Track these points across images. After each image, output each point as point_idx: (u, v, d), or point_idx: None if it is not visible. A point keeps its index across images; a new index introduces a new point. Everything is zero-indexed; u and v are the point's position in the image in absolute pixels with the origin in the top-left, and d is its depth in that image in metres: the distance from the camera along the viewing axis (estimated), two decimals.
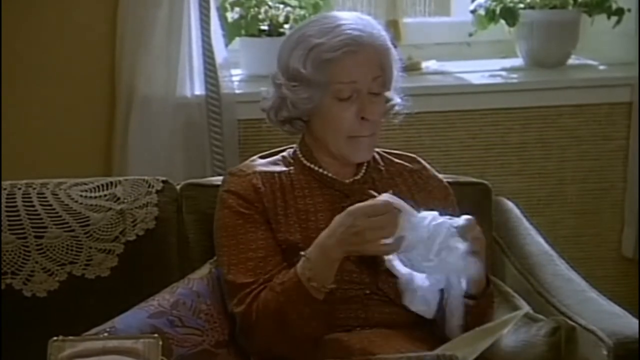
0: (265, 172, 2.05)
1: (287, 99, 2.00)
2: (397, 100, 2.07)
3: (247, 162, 2.11)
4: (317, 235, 1.95)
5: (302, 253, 1.89)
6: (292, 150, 2.11)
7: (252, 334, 1.92)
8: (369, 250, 1.84)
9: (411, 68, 2.86)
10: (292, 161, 2.08)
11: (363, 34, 1.96)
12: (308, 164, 2.06)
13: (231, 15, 2.89)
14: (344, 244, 1.83)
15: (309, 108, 2.00)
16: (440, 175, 2.16)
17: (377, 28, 2.01)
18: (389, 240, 1.81)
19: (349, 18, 1.99)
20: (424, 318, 2.00)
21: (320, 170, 2.05)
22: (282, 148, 2.14)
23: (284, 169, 2.07)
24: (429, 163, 2.17)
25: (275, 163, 2.09)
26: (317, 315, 1.88)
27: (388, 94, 2.05)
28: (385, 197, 1.85)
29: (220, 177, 2.16)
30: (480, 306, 1.96)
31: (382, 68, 1.99)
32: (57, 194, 2.20)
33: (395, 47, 2.05)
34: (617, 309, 2.01)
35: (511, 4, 2.97)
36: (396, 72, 2.04)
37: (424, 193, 2.09)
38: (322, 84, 1.95)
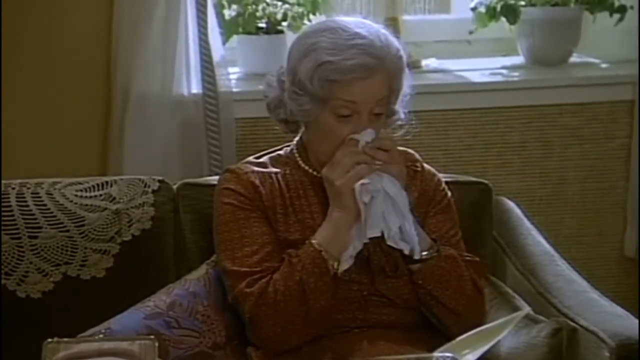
0: (263, 173, 2.05)
1: (286, 105, 1.99)
2: (401, 114, 2.05)
3: (242, 162, 2.11)
4: (314, 234, 1.96)
5: (307, 241, 1.93)
6: (289, 148, 2.11)
7: (270, 313, 1.92)
8: (340, 183, 1.92)
9: (411, 66, 2.84)
10: (287, 160, 2.08)
11: (376, 60, 1.92)
12: (303, 165, 2.06)
13: (228, 13, 2.88)
14: (333, 202, 1.94)
15: (302, 117, 1.99)
16: (440, 175, 2.16)
17: (394, 50, 1.96)
18: None
19: (367, 36, 1.93)
20: (423, 319, 2.01)
21: (315, 173, 2.04)
22: (277, 147, 2.13)
23: (280, 169, 2.06)
24: (428, 162, 2.16)
25: (271, 162, 2.08)
26: (329, 290, 1.91)
27: (394, 106, 2.03)
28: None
29: (217, 177, 2.14)
30: (429, 268, 1.98)
31: (389, 90, 1.97)
32: (51, 194, 2.19)
33: (407, 60, 2.02)
34: (619, 309, 2.00)
35: (512, 1, 2.96)
36: (405, 89, 2.02)
37: (417, 187, 2.08)
38: (325, 99, 1.94)
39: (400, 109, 2.04)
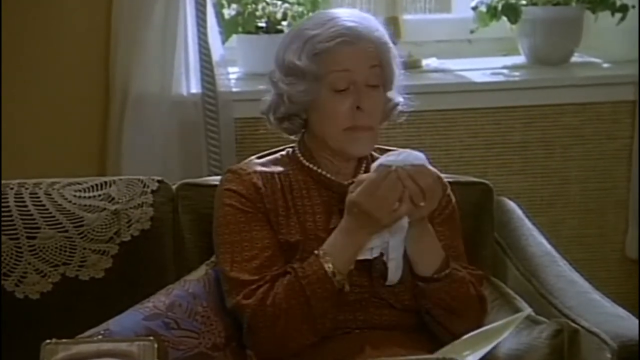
0: (265, 173, 2.04)
1: (284, 95, 1.99)
2: (399, 99, 2.05)
3: (245, 161, 2.10)
4: (315, 236, 1.97)
5: (316, 252, 1.91)
6: (290, 149, 2.09)
7: (268, 325, 1.91)
8: (387, 222, 1.88)
9: (411, 66, 2.85)
10: (290, 161, 2.07)
11: (359, 25, 1.95)
12: (307, 163, 2.05)
13: (228, 12, 2.89)
14: (365, 228, 1.89)
15: (305, 101, 1.98)
16: (441, 175, 2.13)
17: (375, 23, 2.00)
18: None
19: (347, 12, 2.00)
20: (423, 321, 2.00)
21: (319, 170, 2.04)
22: (279, 148, 2.12)
23: (283, 169, 2.05)
24: (429, 162, 2.14)
25: (273, 163, 2.07)
26: (335, 308, 1.91)
27: (390, 93, 2.03)
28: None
29: (217, 177, 2.14)
30: (436, 289, 1.95)
31: (379, 60, 1.98)
32: (50, 194, 2.18)
33: (395, 44, 2.04)
34: (620, 311, 1.99)
35: (513, 1, 2.96)
36: (397, 70, 2.03)
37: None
38: (318, 75, 1.94)
39: (397, 94, 2.04)
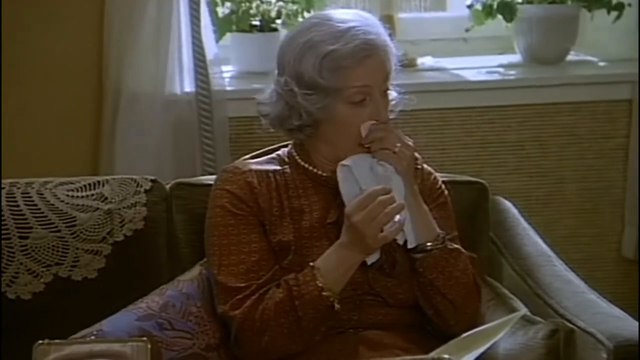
0: (260, 171, 2.02)
1: (300, 108, 1.96)
2: (393, 94, 2.04)
3: (240, 160, 2.08)
4: (310, 234, 1.96)
5: (312, 264, 1.90)
6: (286, 149, 2.08)
7: (256, 337, 1.90)
8: (372, 242, 1.88)
9: (406, 64, 2.82)
10: (286, 160, 2.05)
11: (374, 36, 1.93)
12: (303, 163, 2.03)
13: (222, 10, 2.88)
14: (356, 246, 1.88)
15: (322, 115, 1.96)
16: (437, 174, 2.14)
17: (379, 25, 1.98)
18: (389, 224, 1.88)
19: (354, 19, 1.95)
20: (419, 320, 2.00)
21: (315, 170, 2.02)
22: (274, 147, 2.11)
23: (278, 167, 2.04)
24: (424, 161, 2.14)
25: (269, 162, 2.06)
26: (329, 321, 1.91)
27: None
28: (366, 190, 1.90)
29: (211, 177, 2.14)
30: (434, 260, 1.96)
31: (389, 66, 1.98)
32: (42, 194, 2.17)
33: (391, 39, 2.02)
34: (617, 311, 1.99)
35: None
36: (395, 67, 2.02)
37: (417, 185, 2.04)
38: (336, 89, 1.93)
39: (392, 89, 2.03)
